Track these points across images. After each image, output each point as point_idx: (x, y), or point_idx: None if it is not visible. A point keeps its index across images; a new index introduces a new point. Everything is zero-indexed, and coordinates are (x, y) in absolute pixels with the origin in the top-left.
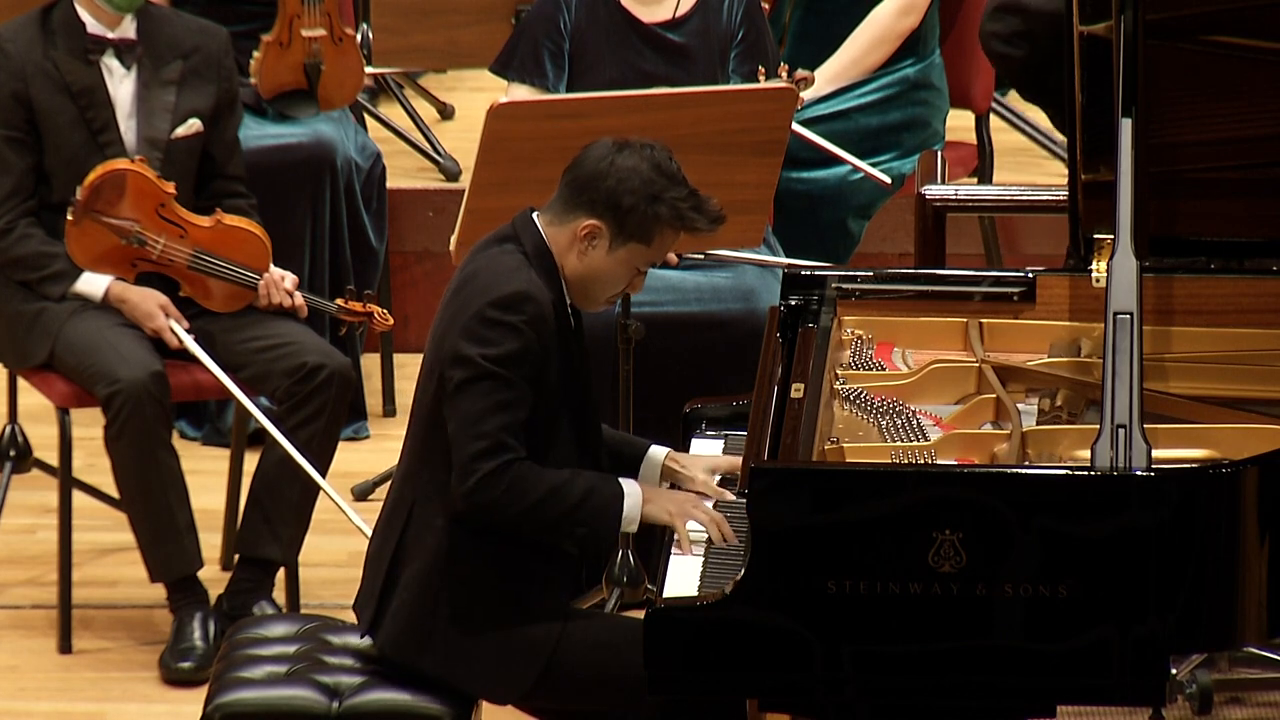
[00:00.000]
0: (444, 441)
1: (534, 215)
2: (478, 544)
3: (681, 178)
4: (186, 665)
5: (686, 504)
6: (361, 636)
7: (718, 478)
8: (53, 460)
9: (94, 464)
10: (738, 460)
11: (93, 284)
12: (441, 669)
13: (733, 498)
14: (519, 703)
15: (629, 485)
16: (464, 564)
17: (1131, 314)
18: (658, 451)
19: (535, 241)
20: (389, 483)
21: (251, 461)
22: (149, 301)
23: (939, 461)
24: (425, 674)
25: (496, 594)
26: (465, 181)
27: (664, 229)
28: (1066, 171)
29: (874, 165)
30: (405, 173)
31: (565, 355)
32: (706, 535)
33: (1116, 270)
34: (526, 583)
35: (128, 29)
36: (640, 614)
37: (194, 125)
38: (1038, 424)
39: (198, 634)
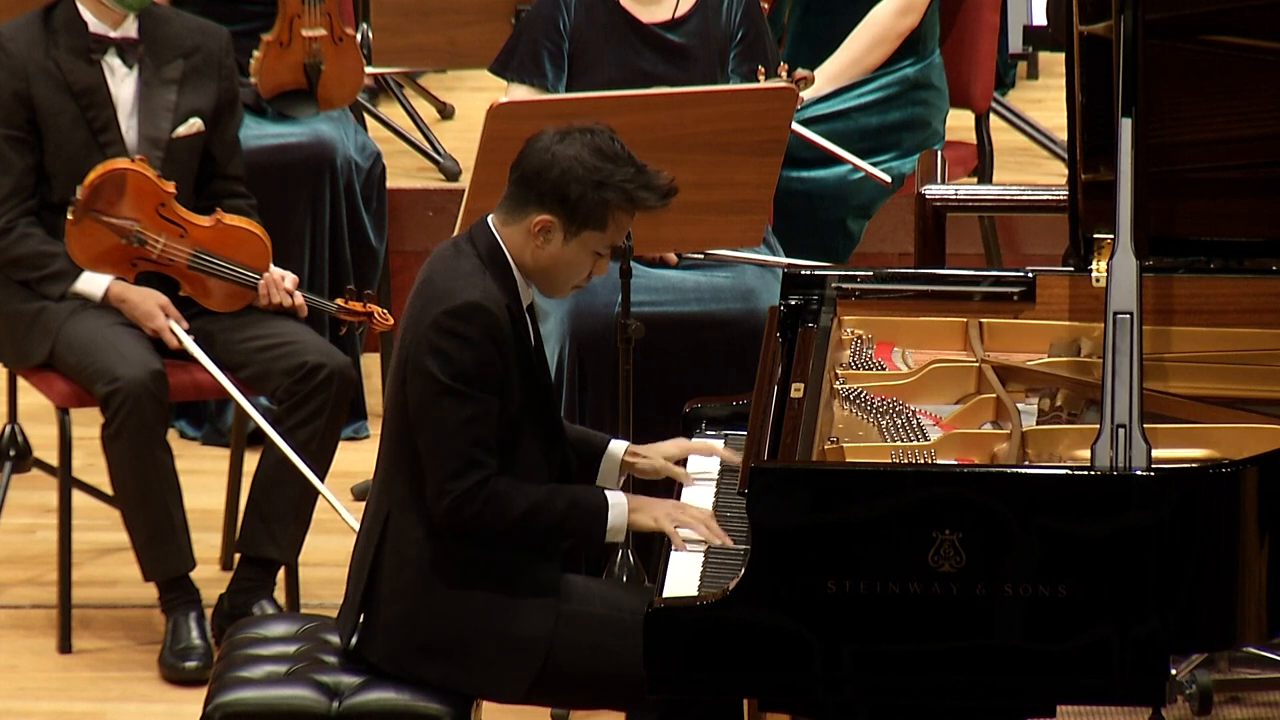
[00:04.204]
0: (415, 449)
1: (488, 219)
2: (459, 551)
3: (626, 156)
4: (191, 665)
5: (674, 509)
6: (345, 647)
7: (674, 462)
8: (53, 460)
9: (93, 464)
10: (694, 444)
11: (93, 283)
12: (442, 676)
13: (694, 481)
14: (523, 701)
15: (614, 496)
16: (448, 572)
17: (1131, 314)
18: (617, 446)
19: (489, 244)
20: None
21: (251, 461)
22: (149, 301)
23: (939, 461)
24: (425, 682)
25: (485, 598)
26: (465, 181)
27: (615, 212)
28: (1066, 171)
29: (874, 165)
30: (405, 173)
31: (523, 359)
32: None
33: (1116, 270)
34: (513, 583)
35: (129, 28)
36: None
37: (195, 124)
38: (1038, 424)
39: (195, 633)
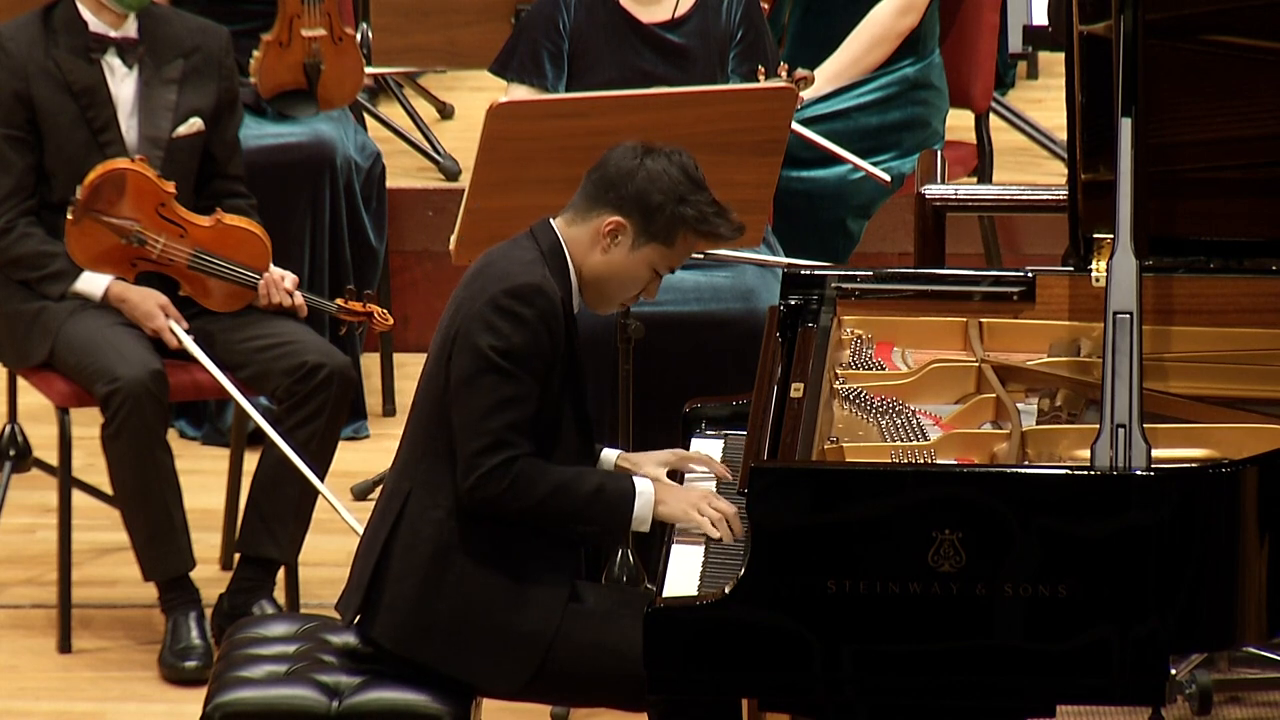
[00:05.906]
0: (448, 432)
1: (551, 220)
2: (476, 535)
3: (706, 185)
4: (191, 665)
5: (701, 500)
6: (348, 625)
7: (665, 471)
8: (52, 460)
9: (93, 463)
10: (684, 453)
11: (92, 283)
12: (439, 660)
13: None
14: (518, 695)
15: (641, 484)
16: (462, 555)
17: (1131, 314)
18: (609, 454)
19: (551, 242)
20: None
21: (251, 461)
22: (149, 301)
23: (939, 461)
24: (423, 665)
25: (495, 585)
26: (465, 181)
27: (687, 232)
28: (1066, 171)
29: (874, 165)
30: (405, 172)
31: (570, 354)
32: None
33: (1116, 270)
34: (525, 574)
35: (129, 28)
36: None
37: (195, 124)
38: (1037, 424)
39: (195, 633)
